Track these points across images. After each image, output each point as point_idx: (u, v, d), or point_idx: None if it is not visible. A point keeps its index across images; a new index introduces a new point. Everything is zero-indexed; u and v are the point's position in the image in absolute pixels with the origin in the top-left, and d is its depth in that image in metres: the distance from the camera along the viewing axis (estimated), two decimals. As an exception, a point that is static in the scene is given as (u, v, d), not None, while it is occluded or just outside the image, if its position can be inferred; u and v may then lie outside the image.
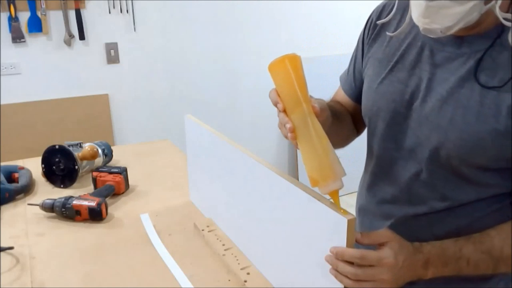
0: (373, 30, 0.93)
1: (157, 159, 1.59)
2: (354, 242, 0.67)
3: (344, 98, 1.04)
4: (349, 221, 0.64)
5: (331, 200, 0.71)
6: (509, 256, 0.76)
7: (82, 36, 2.38)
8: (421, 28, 0.74)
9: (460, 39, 0.76)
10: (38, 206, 1.17)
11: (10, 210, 1.22)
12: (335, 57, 2.88)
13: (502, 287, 0.88)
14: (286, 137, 0.74)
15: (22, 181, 1.31)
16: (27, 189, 1.32)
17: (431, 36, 0.77)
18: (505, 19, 0.67)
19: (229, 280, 0.91)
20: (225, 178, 1.00)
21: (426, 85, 0.80)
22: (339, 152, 1.02)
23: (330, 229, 0.67)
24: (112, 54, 2.49)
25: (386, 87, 0.87)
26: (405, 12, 0.83)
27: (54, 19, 2.32)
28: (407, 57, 0.84)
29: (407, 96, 0.83)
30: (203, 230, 1.07)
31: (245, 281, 0.89)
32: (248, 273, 0.91)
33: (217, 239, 1.03)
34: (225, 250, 0.99)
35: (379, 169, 0.93)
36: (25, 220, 1.17)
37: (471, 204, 0.81)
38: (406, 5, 0.80)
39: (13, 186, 1.28)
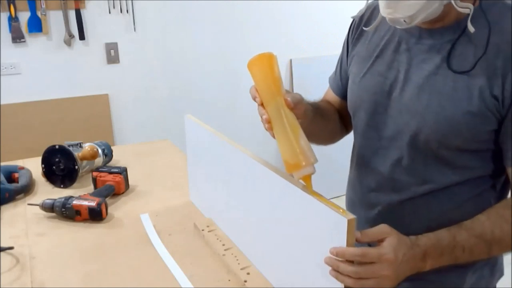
0: (356, 30, 0.99)
1: (157, 159, 1.59)
2: (354, 242, 0.67)
3: (332, 97, 1.10)
4: (349, 221, 0.64)
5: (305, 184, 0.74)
6: (501, 238, 0.78)
7: (82, 36, 2.37)
8: (387, 19, 0.81)
9: (432, 31, 0.83)
10: (38, 206, 1.17)
11: (10, 210, 1.22)
12: (335, 57, 2.84)
13: (487, 273, 0.92)
14: (265, 128, 0.79)
15: (22, 181, 1.31)
16: (27, 189, 1.32)
17: (398, 27, 0.83)
18: (466, 8, 0.74)
19: (229, 280, 0.91)
20: (225, 178, 1.00)
21: (404, 76, 0.86)
22: (331, 150, 1.03)
23: (330, 229, 0.67)
24: (112, 54, 2.49)
25: (367, 80, 0.92)
26: None
27: (54, 19, 2.32)
28: (386, 52, 0.90)
29: (387, 87, 0.88)
30: (203, 230, 1.07)
31: (245, 281, 0.89)
32: (248, 273, 0.91)
33: (217, 239, 1.03)
34: (225, 250, 0.99)
35: (362, 160, 0.97)
36: (25, 220, 1.17)
37: (453, 188, 0.85)
38: None
39: (13, 186, 1.28)
